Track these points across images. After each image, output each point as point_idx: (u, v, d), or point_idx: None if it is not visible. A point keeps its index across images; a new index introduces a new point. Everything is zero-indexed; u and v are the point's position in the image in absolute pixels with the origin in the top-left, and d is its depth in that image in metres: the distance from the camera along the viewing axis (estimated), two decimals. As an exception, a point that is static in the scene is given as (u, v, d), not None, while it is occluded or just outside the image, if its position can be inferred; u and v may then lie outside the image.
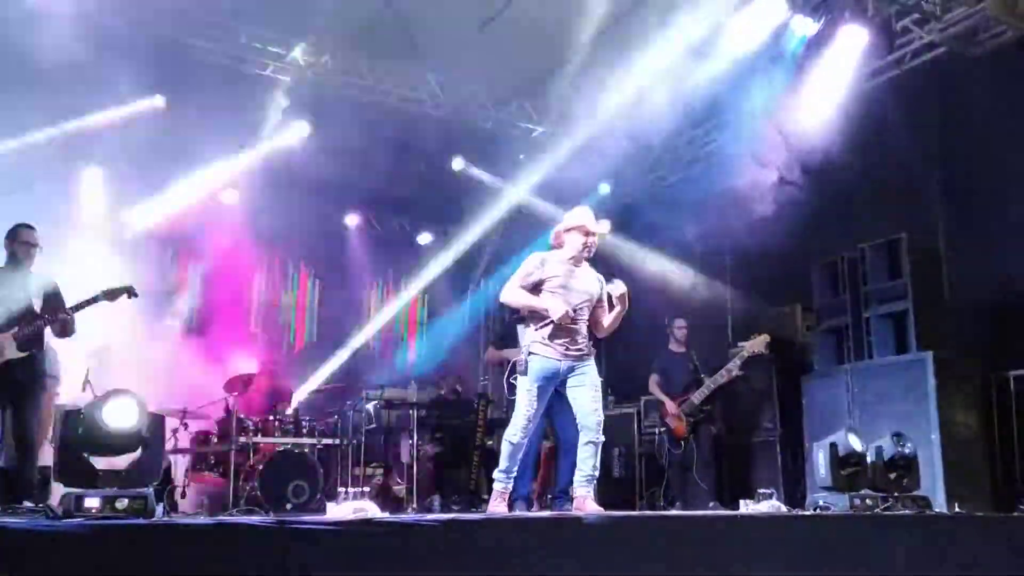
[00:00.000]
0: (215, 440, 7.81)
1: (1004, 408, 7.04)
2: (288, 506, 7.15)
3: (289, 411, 7.99)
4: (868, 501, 5.62)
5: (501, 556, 3.50)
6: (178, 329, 9.65)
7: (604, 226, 5.38)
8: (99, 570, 2.77)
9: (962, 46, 7.84)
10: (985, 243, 7.52)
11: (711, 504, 7.34)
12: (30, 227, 5.78)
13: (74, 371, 7.04)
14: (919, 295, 7.27)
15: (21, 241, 5.71)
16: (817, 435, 6.81)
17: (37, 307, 5.61)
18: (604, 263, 5.89)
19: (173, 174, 9.14)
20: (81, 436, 4.16)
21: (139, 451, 4.22)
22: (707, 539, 4.14)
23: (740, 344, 7.92)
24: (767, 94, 8.55)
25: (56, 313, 5.55)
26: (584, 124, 9.40)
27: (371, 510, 4.91)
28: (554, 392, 5.26)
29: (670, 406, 7.82)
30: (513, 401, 5.26)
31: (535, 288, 5.19)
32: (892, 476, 5.92)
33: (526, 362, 5.10)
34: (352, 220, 11.18)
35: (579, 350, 5.16)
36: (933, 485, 6.46)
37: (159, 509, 4.24)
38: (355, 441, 8.04)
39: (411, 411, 8.23)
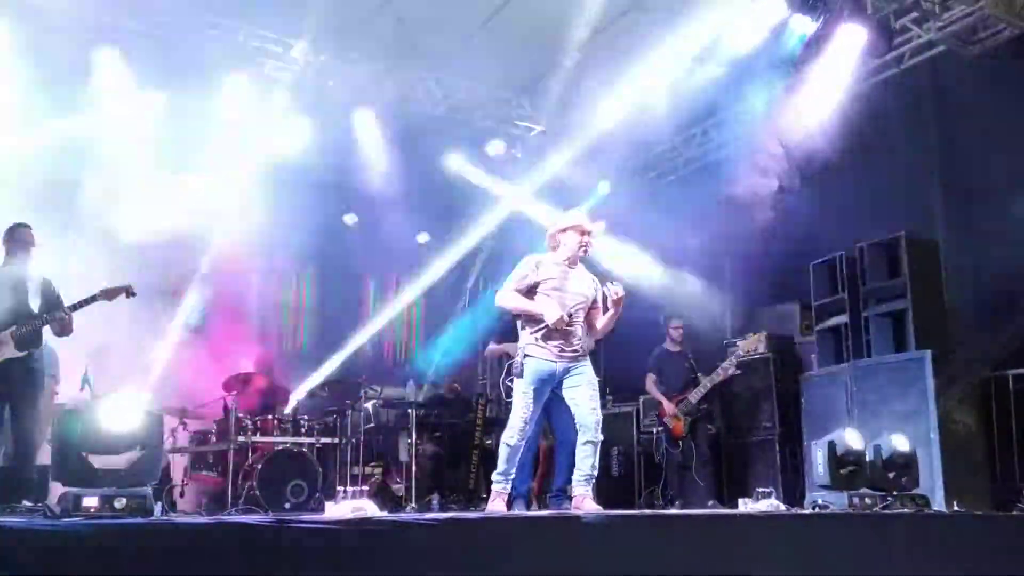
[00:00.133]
0: (214, 439, 7.81)
1: (1003, 407, 7.04)
2: (287, 505, 7.15)
3: (288, 410, 7.99)
4: (867, 500, 5.62)
5: (500, 555, 3.50)
6: (177, 329, 9.63)
7: (599, 226, 5.39)
8: (98, 569, 2.77)
9: (961, 44, 7.85)
10: (984, 241, 7.53)
11: (710, 503, 7.35)
12: (27, 226, 5.78)
13: (73, 370, 7.04)
14: (918, 294, 7.27)
15: (19, 240, 5.71)
16: (816, 434, 6.81)
17: (35, 306, 5.61)
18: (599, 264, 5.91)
19: (172, 172, 9.12)
20: (80, 436, 4.16)
21: (137, 451, 4.22)
22: (706, 538, 4.14)
23: (737, 343, 7.93)
24: (766, 93, 8.56)
25: (54, 312, 5.54)
26: (583, 123, 9.41)
27: (370, 509, 4.90)
28: (551, 392, 5.27)
29: (667, 406, 7.83)
30: (510, 403, 5.27)
31: (530, 291, 5.20)
32: (891, 475, 5.93)
33: (521, 364, 5.11)
34: (351, 219, 11.17)
35: (574, 351, 5.17)
36: (932, 484, 6.46)
37: (157, 508, 4.25)
38: (354, 440, 8.03)
39: (410, 410, 8.23)
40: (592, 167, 9.98)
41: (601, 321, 5.30)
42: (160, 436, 4.49)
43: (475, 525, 3.94)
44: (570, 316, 5.13)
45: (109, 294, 5.69)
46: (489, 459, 7.44)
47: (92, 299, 5.63)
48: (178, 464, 7.96)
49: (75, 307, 5.59)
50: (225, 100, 8.83)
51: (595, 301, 5.30)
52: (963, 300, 7.54)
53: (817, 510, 5.66)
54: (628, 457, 8.91)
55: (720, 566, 3.97)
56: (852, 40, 7.98)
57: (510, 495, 5.39)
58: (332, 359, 10.39)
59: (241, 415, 7.55)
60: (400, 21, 8.51)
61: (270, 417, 7.76)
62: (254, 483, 7.12)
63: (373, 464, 8.92)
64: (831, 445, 5.82)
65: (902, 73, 8.30)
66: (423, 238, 11.69)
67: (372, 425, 8.53)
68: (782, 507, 6.17)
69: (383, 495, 8.11)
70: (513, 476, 5.24)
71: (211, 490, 7.68)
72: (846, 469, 5.81)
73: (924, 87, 8.20)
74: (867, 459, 5.91)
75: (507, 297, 5.27)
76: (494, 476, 5.23)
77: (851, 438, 5.92)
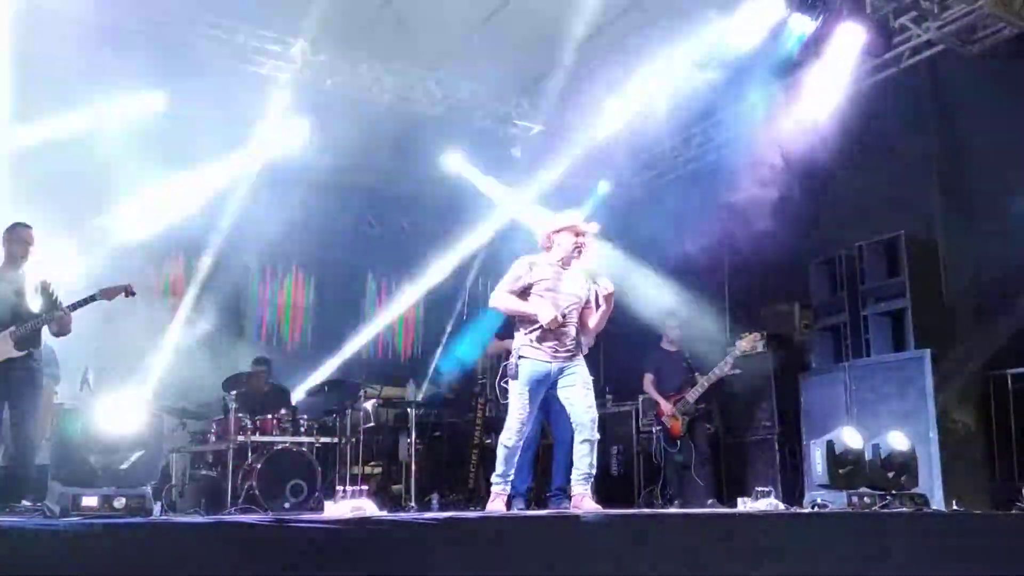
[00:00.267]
0: (213, 439, 7.80)
1: (1002, 406, 7.04)
2: (286, 505, 7.16)
3: (287, 410, 7.99)
4: (866, 499, 5.63)
5: (499, 554, 3.51)
6: (176, 328, 9.63)
7: (594, 226, 5.41)
8: (97, 569, 2.77)
9: (960, 44, 7.84)
10: (983, 240, 7.53)
11: (709, 502, 7.35)
12: (27, 226, 5.78)
13: (73, 370, 7.04)
14: (917, 293, 7.27)
15: (18, 240, 5.71)
16: (815, 433, 6.82)
17: (34, 306, 5.61)
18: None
19: (171, 171, 9.12)
20: (79, 436, 4.16)
21: (137, 450, 4.22)
22: (705, 537, 4.14)
23: (737, 342, 7.93)
24: (765, 92, 8.56)
25: (53, 312, 5.54)
26: (583, 123, 9.41)
27: (369, 509, 4.91)
28: (549, 392, 5.28)
29: (665, 406, 7.83)
30: (506, 404, 5.28)
31: (524, 292, 5.22)
32: (890, 474, 5.93)
33: (516, 365, 5.13)
34: (350, 218, 11.16)
35: (568, 351, 5.20)
36: (931, 483, 6.47)
37: (157, 508, 4.25)
38: (353, 439, 8.03)
39: (409, 410, 8.23)
40: (592, 167, 9.98)
41: (594, 319, 5.31)
42: (159, 436, 4.49)
43: (475, 525, 3.94)
44: (564, 316, 5.14)
45: (108, 293, 5.70)
46: (489, 458, 7.43)
47: (91, 299, 5.64)
48: (177, 463, 7.96)
49: (74, 307, 5.59)
50: (225, 100, 8.82)
51: (588, 301, 5.32)
52: (962, 299, 7.55)
53: (816, 509, 5.66)
54: (627, 457, 8.91)
55: (719, 566, 3.97)
56: (851, 39, 7.97)
57: (510, 495, 5.40)
58: (332, 359, 10.40)
59: (240, 415, 7.55)
60: (400, 21, 8.51)
61: (269, 417, 7.76)
62: (253, 483, 7.12)
63: (373, 464, 8.94)
64: (830, 444, 5.83)
65: (901, 72, 8.30)
66: (422, 237, 11.70)
67: (372, 425, 8.53)
68: (781, 506, 6.18)
69: (383, 494, 8.11)
70: (512, 477, 5.26)
71: (210, 490, 7.67)
72: (845, 468, 5.81)
73: (923, 86, 8.20)
74: (866, 458, 5.91)
75: (501, 298, 5.30)
76: (493, 478, 5.24)
77: (850, 437, 5.93)
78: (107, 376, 7.13)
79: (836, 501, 5.65)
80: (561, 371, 5.18)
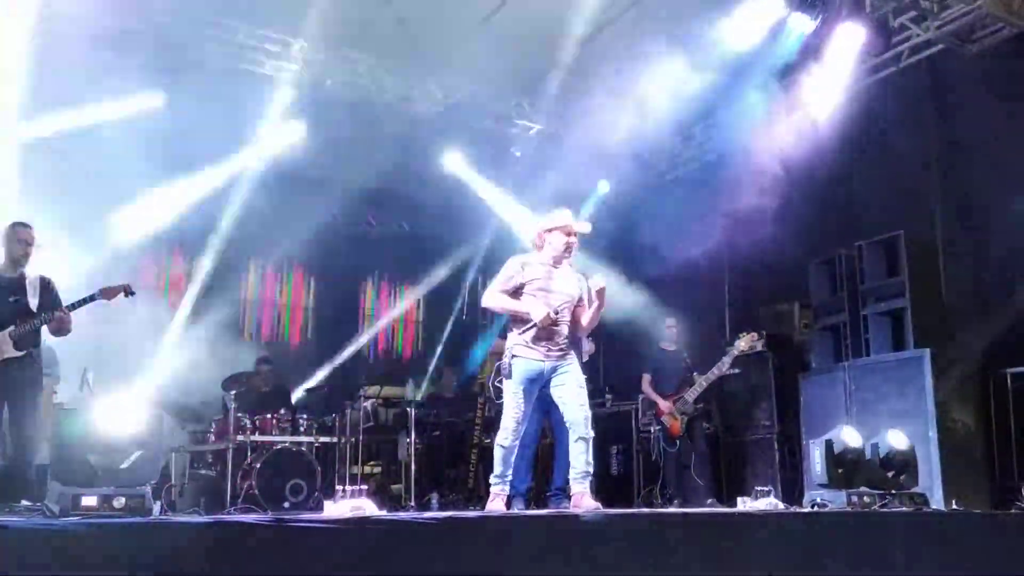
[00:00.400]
0: (212, 438, 7.81)
1: (1001, 405, 7.05)
2: (286, 504, 7.16)
3: (287, 410, 7.99)
4: (866, 498, 5.63)
5: (499, 554, 3.51)
6: (176, 328, 9.63)
7: (585, 226, 5.42)
8: (96, 569, 2.77)
9: (959, 43, 7.85)
10: (983, 240, 7.53)
11: (708, 501, 7.35)
12: (26, 225, 5.77)
13: (72, 370, 7.04)
14: (917, 292, 7.28)
15: (18, 239, 5.70)
16: (815, 432, 6.82)
17: (34, 306, 5.61)
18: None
19: (171, 171, 9.13)
20: (79, 436, 4.16)
21: (136, 450, 4.22)
22: (705, 536, 4.14)
23: (735, 341, 7.93)
24: (765, 91, 8.56)
25: (53, 312, 5.54)
26: (582, 122, 9.40)
27: (369, 508, 4.91)
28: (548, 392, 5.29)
29: (663, 405, 7.83)
30: (501, 404, 5.29)
31: (516, 292, 5.23)
32: (889, 473, 5.94)
33: (509, 365, 5.15)
34: (350, 218, 11.16)
35: (561, 350, 5.22)
36: (931, 482, 6.47)
37: (156, 508, 4.25)
38: (353, 439, 8.03)
39: (409, 409, 8.23)
40: (592, 167, 9.98)
41: (587, 316, 5.33)
42: (159, 435, 4.49)
43: (474, 524, 3.94)
44: (556, 314, 5.16)
45: (108, 293, 5.69)
46: (489, 458, 7.42)
47: (91, 298, 5.63)
48: (177, 463, 7.96)
49: (74, 306, 5.59)
50: (225, 99, 8.81)
51: (581, 299, 5.33)
52: (962, 299, 7.55)
53: (816, 508, 5.67)
54: (627, 456, 8.91)
55: (719, 565, 3.98)
56: (850, 39, 7.98)
57: (509, 495, 5.40)
58: (332, 358, 10.41)
59: (240, 414, 7.55)
60: (400, 21, 8.50)
61: (269, 416, 7.76)
62: (253, 482, 7.12)
63: (372, 463, 8.94)
64: (829, 444, 5.83)
65: (900, 72, 8.30)
66: (421, 237, 11.70)
67: (371, 424, 8.53)
68: (781, 506, 6.18)
69: (382, 494, 8.11)
70: (510, 477, 5.26)
71: (210, 489, 7.67)
72: (844, 468, 5.82)
73: (922, 86, 8.20)
74: (865, 457, 5.92)
75: (493, 298, 5.32)
76: (491, 479, 5.25)
77: (849, 437, 5.93)
78: (107, 376, 7.14)
79: (836, 500, 5.66)
80: (554, 370, 5.19)
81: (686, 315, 8.42)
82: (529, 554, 3.56)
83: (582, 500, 5.04)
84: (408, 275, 11.50)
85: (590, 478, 5.13)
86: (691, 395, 7.76)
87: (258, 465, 7.23)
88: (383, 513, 5.13)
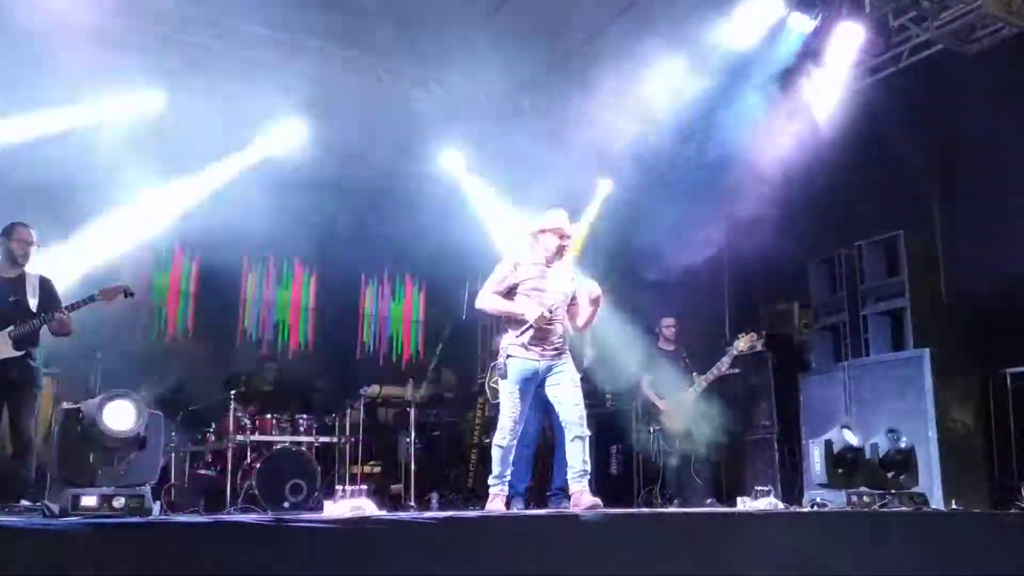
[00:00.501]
0: (213, 438, 7.81)
1: (1001, 405, 7.05)
2: (285, 504, 7.16)
3: (286, 409, 7.99)
4: (865, 498, 5.63)
5: (499, 554, 3.51)
6: (176, 328, 9.63)
7: (578, 227, 5.44)
8: (96, 569, 2.77)
9: (959, 43, 7.84)
10: (982, 240, 7.54)
11: (708, 501, 7.36)
12: (26, 225, 5.78)
13: (73, 370, 7.04)
14: (916, 292, 7.28)
15: (18, 239, 5.70)
16: (814, 432, 6.82)
17: (33, 306, 5.61)
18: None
19: (172, 171, 9.12)
20: (80, 435, 4.16)
21: (136, 450, 4.22)
22: (705, 537, 4.15)
23: (734, 341, 7.93)
24: (764, 91, 8.55)
25: (53, 312, 5.54)
26: (582, 122, 9.39)
27: (369, 508, 4.91)
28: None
29: (663, 405, 7.83)
30: (497, 404, 5.31)
31: (510, 292, 5.24)
32: (889, 474, 5.93)
33: (505, 365, 5.16)
34: (351, 218, 11.16)
35: (556, 349, 5.24)
36: (930, 482, 6.48)
37: (156, 508, 4.25)
38: (353, 439, 8.03)
39: (409, 409, 8.24)
40: (592, 166, 9.98)
41: (583, 318, 5.36)
42: (159, 435, 4.49)
43: (474, 524, 3.95)
44: (550, 313, 5.17)
45: (107, 294, 5.69)
46: (488, 458, 7.44)
47: (90, 299, 5.64)
48: (177, 463, 7.96)
49: (73, 307, 5.59)
50: (224, 99, 8.81)
51: (574, 297, 5.34)
52: (961, 299, 7.55)
53: (815, 508, 5.67)
54: (627, 456, 8.91)
55: (719, 565, 3.98)
56: (850, 39, 7.98)
57: (508, 495, 5.41)
58: (331, 358, 10.41)
59: (240, 414, 7.55)
60: (400, 20, 8.50)
61: (269, 416, 7.76)
62: (253, 482, 7.13)
63: (372, 463, 8.94)
64: (828, 444, 5.83)
65: (900, 72, 8.30)
66: (421, 237, 11.70)
67: (371, 424, 8.53)
68: (780, 505, 6.18)
69: (382, 494, 8.11)
70: (508, 477, 5.27)
71: (210, 489, 7.68)
72: (843, 467, 5.82)
73: (922, 86, 8.20)
74: (865, 457, 5.91)
75: (486, 299, 5.34)
76: (490, 480, 5.27)
77: (848, 436, 5.93)
78: (107, 376, 7.14)
79: (835, 500, 5.66)
80: (549, 369, 5.21)
81: (686, 315, 8.42)
82: (529, 554, 3.56)
83: (581, 498, 5.05)
84: (408, 275, 11.49)
85: (588, 476, 5.15)
86: (690, 395, 7.76)
87: (258, 465, 7.23)
88: (383, 513, 5.13)
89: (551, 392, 5.23)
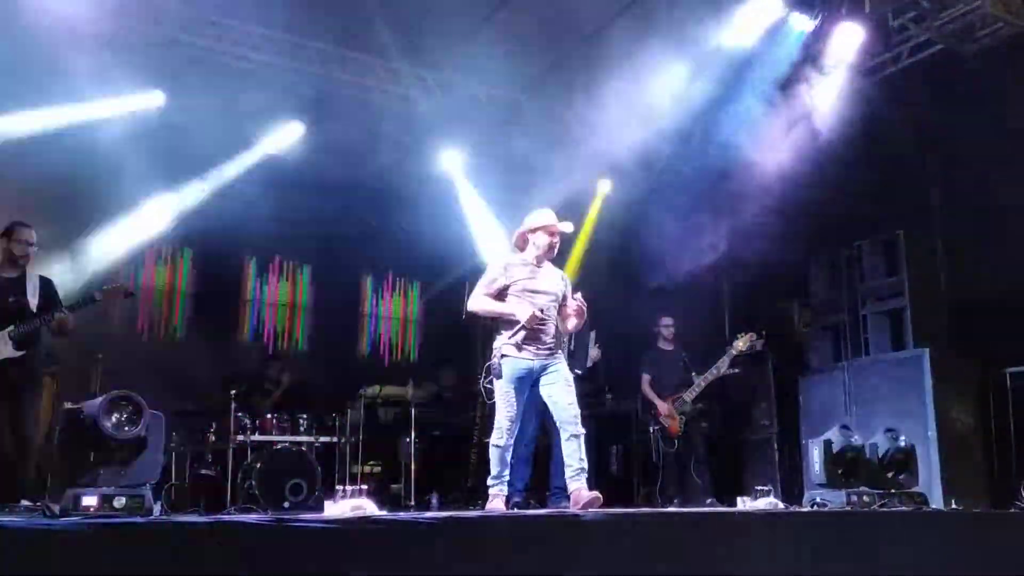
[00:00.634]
0: (213, 438, 7.80)
1: (1000, 404, 7.06)
2: (286, 504, 7.15)
3: (287, 409, 7.99)
4: (865, 498, 5.63)
5: (499, 554, 3.51)
6: (176, 327, 9.63)
7: (568, 225, 5.45)
8: (97, 569, 2.77)
9: (959, 43, 7.84)
10: (982, 240, 7.54)
11: (708, 501, 7.36)
12: (27, 225, 5.77)
13: (73, 370, 7.04)
14: (916, 292, 7.30)
15: (18, 239, 5.70)
16: (814, 432, 6.83)
17: (34, 306, 5.61)
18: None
19: (171, 171, 9.12)
20: (80, 435, 4.16)
21: (137, 450, 4.23)
22: (704, 537, 4.15)
23: (734, 341, 7.93)
24: (764, 91, 8.55)
25: (53, 313, 5.54)
26: (583, 121, 9.39)
27: (369, 508, 4.91)
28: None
29: (662, 406, 7.84)
30: (491, 404, 5.32)
31: (501, 293, 5.26)
32: (889, 473, 5.94)
33: (499, 365, 5.17)
34: (350, 218, 11.16)
35: (549, 348, 5.26)
36: (930, 481, 6.48)
37: (156, 507, 4.25)
38: (353, 439, 8.03)
39: (409, 409, 8.23)
40: (592, 166, 9.97)
41: (571, 322, 5.40)
42: (159, 435, 4.49)
43: (474, 524, 3.95)
44: (542, 312, 5.19)
45: (107, 294, 5.69)
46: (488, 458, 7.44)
47: (90, 299, 5.64)
48: (177, 463, 7.95)
49: (74, 307, 5.59)
50: (224, 98, 8.81)
51: (565, 296, 5.36)
52: (961, 298, 7.55)
53: (815, 508, 5.67)
54: (626, 456, 8.92)
55: (718, 565, 3.98)
56: (850, 39, 7.98)
57: (508, 494, 5.41)
58: (331, 358, 10.39)
59: (240, 414, 7.55)
60: (400, 20, 8.50)
61: (269, 416, 7.76)
62: (253, 482, 7.13)
63: (372, 463, 8.93)
64: (827, 443, 5.84)
65: (900, 72, 8.30)
66: (420, 236, 11.69)
67: (371, 424, 8.53)
68: (780, 505, 6.18)
69: (382, 494, 8.11)
70: (507, 477, 5.28)
71: (210, 489, 7.67)
72: (843, 467, 5.82)
73: (922, 86, 8.20)
74: (864, 457, 5.92)
75: (478, 301, 5.36)
76: (489, 481, 5.27)
77: (848, 436, 5.93)
78: (107, 375, 7.14)
79: (835, 500, 5.66)
80: (544, 368, 5.23)
81: (685, 315, 8.42)
82: (529, 554, 3.56)
83: (581, 494, 5.05)
84: (408, 275, 11.48)
85: (586, 474, 5.16)
86: (689, 395, 7.77)
87: (258, 465, 7.23)
88: (383, 513, 5.14)
89: (545, 392, 5.25)
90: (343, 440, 7.96)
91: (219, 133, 8.64)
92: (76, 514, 3.81)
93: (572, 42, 8.47)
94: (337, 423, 8.00)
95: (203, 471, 7.81)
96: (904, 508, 5.64)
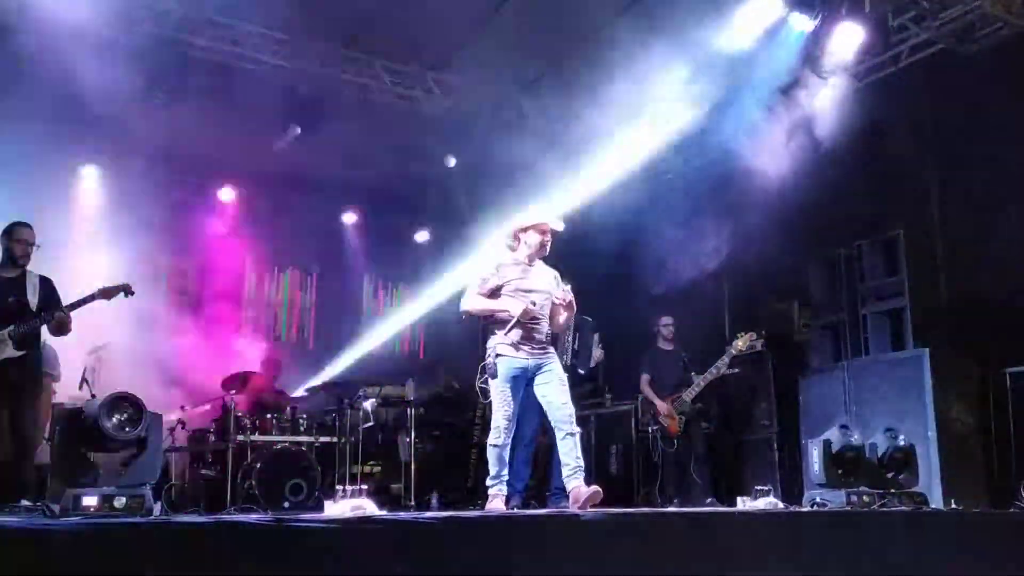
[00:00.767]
0: (213, 438, 7.81)
1: (1000, 404, 7.05)
2: (286, 504, 7.16)
3: (287, 410, 7.99)
4: (865, 498, 5.63)
5: (499, 554, 3.51)
6: (176, 327, 9.63)
7: (560, 224, 5.46)
8: (96, 569, 2.77)
9: (959, 43, 7.84)
10: (981, 240, 7.53)
11: (708, 501, 7.36)
12: (27, 225, 5.78)
13: (73, 370, 7.04)
14: (916, 292, 7.29)
15: (18, 239, 5.70)
16: (814, 432, 6.83)
17: (34, 305, 5.61)
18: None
19: (171, 172, 9.13)
20: (79, 435, 4.17)
21: (137, 450, 4.23)
22: (704, 536, 4.15)
23: (733, 341, 7.93)
24: (764, 91, 8.55)
25: (53, 311, 5.54)
26: (583, 121, 9.39)
27: (369, 508, 4.91)
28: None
29: (661, 406, 7.84)
30: (488, 404, 5.33)
31: (494, 294, 5.28)
32: (889, 473, 5.94)
33: (494, 364, 5.18)
34: (349, 218, 11.17)
35: (543, 347, 5.29)
36: (930, 481, 6.48)
37: (156, 507, 4.26)
38: (353, 439, 8.03)
39: (409, 409, 8.24)
40: (591, 165, 9.97)
41: (561, 317, 5.42)
42: (159, 435, 4.50)
43: (475, 524, 3.95)
44: (534, 306, 5.23)
45: (107, 293, 5.69)
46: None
47: (90, 298, 5.63)
48: (177, 463, 7.96)
49: (73, 306, 5.59)
50: (223, 98, 8.81)
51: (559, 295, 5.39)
52: (961, 298, 7.55)
53: (815, 508, 5.67)
54: (626, 456, 8.91)
55: (718, 565, 3.98)
56: (850, 39, 7.98)
57: (507, 494, 5.42)
58: (331, 358, 10.41)
59: (240, 414, 7.56)
60: (400, 20, 8.50)
61: (269, 416, 7.77)
62: (253, 482, 7.13)
63: (372, 463, 8.93)
64: (827, 443, 5.84)
65: (900, 72, 8.30)
66: (420, 236, 11.70)
67: (371, 424, 8.53)
68: (780, 505, 6.18)
69: (382, 494, 8.11)
70: (507, 476, 5.29)
71: (210, 489, 7.68)
72: (843, 467, 5.82)
73: (922, 86, 8.20)
74: (864, 457, 5.92)
75: (470, 302, 5.37)
76: (488, 481, 5.28)
77: (848, 436, 5.94)
78: (107, 375, 7.14)
79: (835, 500, 5.66)
80: (539, 367, 5.25)
81: (685, 314, 8.42)
82: (529, 554, 3.56)
83: (580, 491, 5.06)
84: (408, 275, 11.50)
85: (582, 472, 5.16)
86: (689, 395, 7.77)
87: (258, 465, 7.23)
88: (383, 513, 5.14)
89: (540, 391, 5.26)
90: (343, 440, 7.96)
91: (219, 133, 8.65)
92: (76, 514, 3.82)
93: (572, 43, 8.46)
94: (337, 423, 8.01)
95: (203, 471, 7.82)
96: (904, 508, 5.64)
